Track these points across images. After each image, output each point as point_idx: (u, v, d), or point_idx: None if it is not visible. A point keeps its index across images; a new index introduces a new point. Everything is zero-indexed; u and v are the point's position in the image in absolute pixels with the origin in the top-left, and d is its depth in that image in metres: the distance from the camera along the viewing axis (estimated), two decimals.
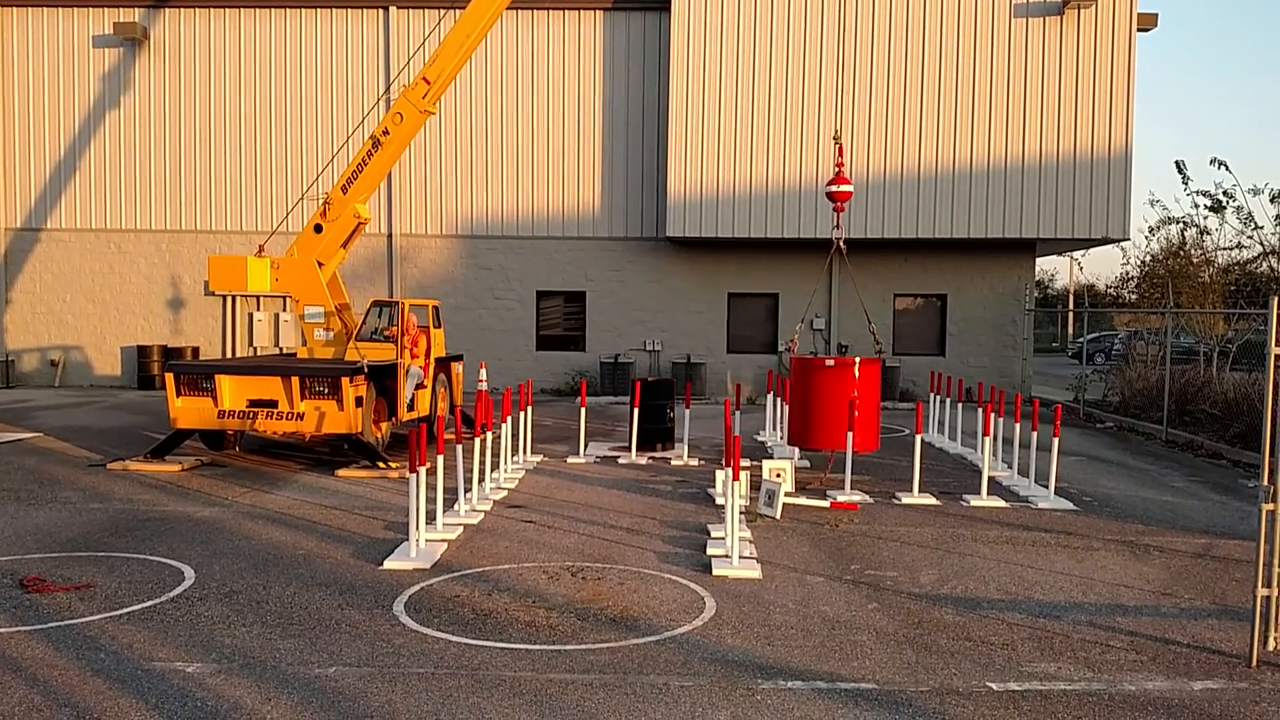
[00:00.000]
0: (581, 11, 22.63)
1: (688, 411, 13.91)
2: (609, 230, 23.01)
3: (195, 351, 23.18)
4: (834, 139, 13.26)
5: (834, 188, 12.67)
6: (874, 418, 11.82)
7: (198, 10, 23.01)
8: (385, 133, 14.56)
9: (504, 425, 11.88)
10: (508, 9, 15.89)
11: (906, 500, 10.90)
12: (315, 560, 8.15)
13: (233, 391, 12.48)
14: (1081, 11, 20.61)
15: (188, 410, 12.58)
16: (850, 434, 11.23)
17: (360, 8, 22.85)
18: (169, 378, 12.60)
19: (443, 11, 22.40)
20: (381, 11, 22.81)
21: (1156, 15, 21.75)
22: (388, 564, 7.98)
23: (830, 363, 11.83)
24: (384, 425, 13.39)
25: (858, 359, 11.75)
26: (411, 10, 22.76)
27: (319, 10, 22.91)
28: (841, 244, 13.05)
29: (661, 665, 5.90)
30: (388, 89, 22.65)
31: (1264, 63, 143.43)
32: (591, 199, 22.94)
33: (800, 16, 20.90)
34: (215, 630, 6.41)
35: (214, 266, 14.10)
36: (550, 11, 22.48)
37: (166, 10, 23.04)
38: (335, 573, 7.78)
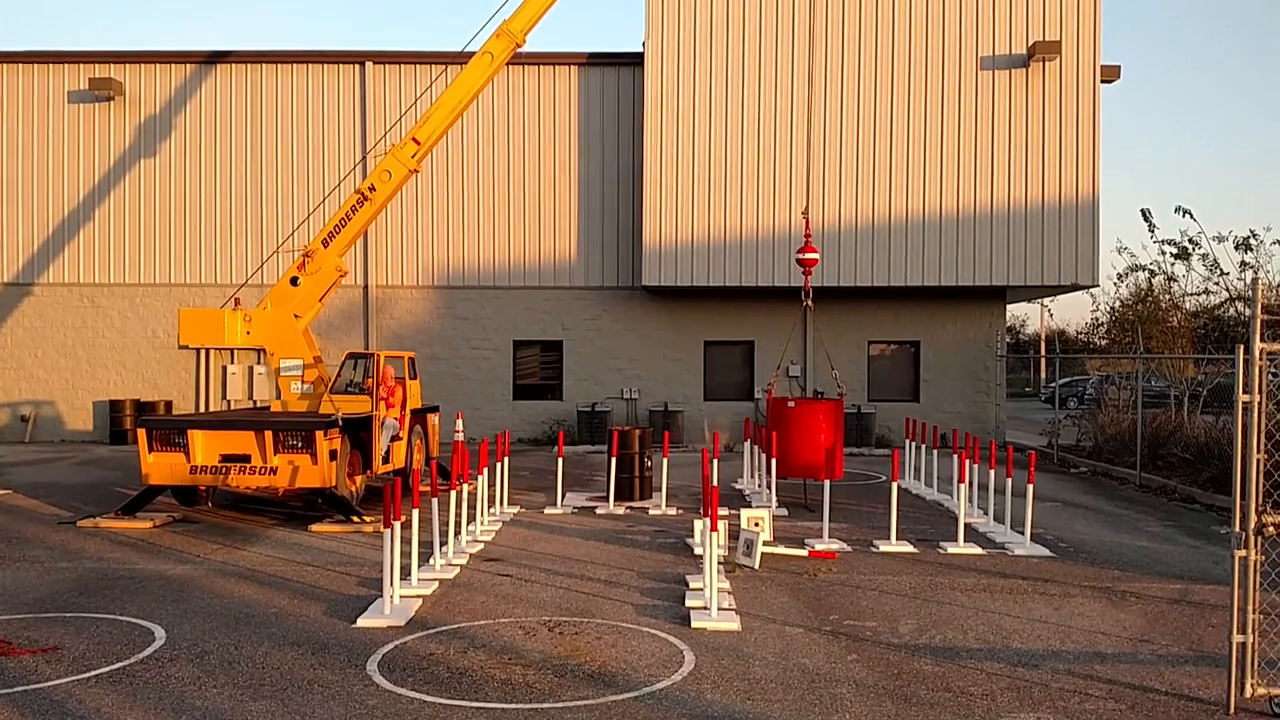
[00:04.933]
0: (557, 67, 22.93)
1: (665, 460, 13.89)
2: (585, 279, 23.11)
3: (168, 405, 22.97)
4: (802, 214, 15.41)
5: (802, 256, 14.69)
6: (836, 449, 13.47)
7: (173, 65, 23.14)
8: (372, 189, 14.65)
9: (480, 476, 11.81)
10: None
11: (884, 548, 10.90)
12: (288, 619, 8.04)
13: (205, 446, 12.36)
14: (1046, 64, 21.09)
15: (160, 466, 12.43)
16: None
17: (336, 63, 23.05)
18: (141, 433, 12.46)
19: (419, 68, 22.71)
20: (357, 67, 23.01)
21: (1119, 67, 22.30)
22: (361, 621, 7.87)
23: (791, 403, 13.84)
24: (359, 478, 13.28)
25: (821, 398, 13.96)
26: (388, 66, 22.98)
27: (294, 65, 23.09)
28: (811, 304, 15.11)
29: None
30: (364, 143, 22.79)
31: (1222, 114, 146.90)
32: (568, 249, 23.07)
33: (771, 68, 21.26)
34: (186, 692, 6.29)
35: (184, 320, 14.01)
36: (526, 67, 22.75)
37: (141, 66, 23.15)
38: (308, 631, 7.67)
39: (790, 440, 13.61)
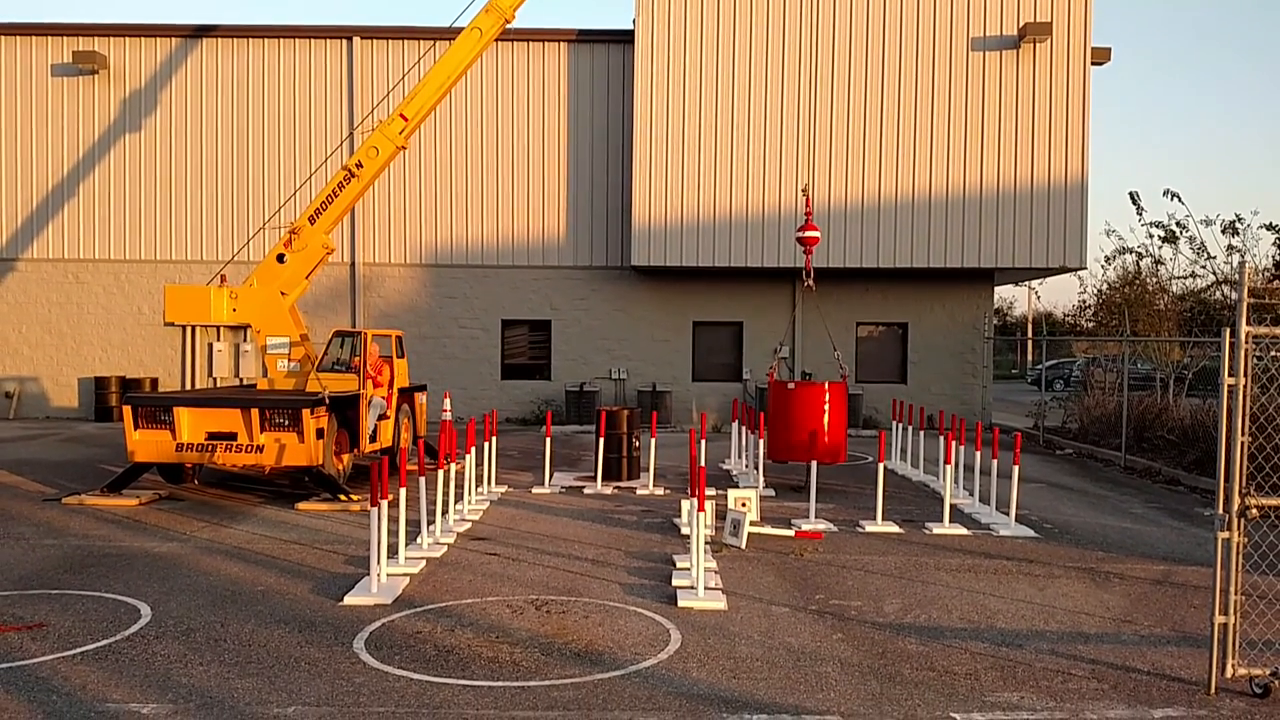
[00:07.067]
0: (546, 43, 22.76)
1: (653, 440, 13.90)
2: (574, 259, 23.05)
3: (154, 383, 22.85)
4: (803, 191, 14.94)
5: (803, 234, 14.19)
6: (840, 433, 13.39)
7: (158, 39, 22.88)
8: (359, 165, 14.55)
9: (468, 456, 11.80)
10: None
11: (870, 528, 10.95)
12: (274, 596, 8.03)
13: (191, 424, 12.31)
14: (1037, 46, 21.04)
15: (145, 443, 12.37)
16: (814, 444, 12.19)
17: (324, 38, 22.83)
18: (126, 410, 12.40)
19: (408, 43, 22.52)
20: (345, 42, 22.80)
21: (1110, 49, 22.28)
22: (348, 599, 7.87)
23: (791, 385, 13.52)
24: (346, 457, 13.25)
25: (827, 383, 13.36)
26: (376, 41, 22.78)
27: (281, 39, 22.86)
28: (812, 284, 14.58)
29: (626, 700, 5.86)
30: (352, 119, 22.62)
31: (1211, 97, 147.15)
32: (557, 228, 22.98)
33: (763, 48, 21.16)
34: (172, 669, 6.29)
35: (170, 297, 13.89)
36: (515, 43, 22.58)
37: (126, 39, 22.89)
38: (294, 609, 7.67)
39: (791, 424, 13.25)
